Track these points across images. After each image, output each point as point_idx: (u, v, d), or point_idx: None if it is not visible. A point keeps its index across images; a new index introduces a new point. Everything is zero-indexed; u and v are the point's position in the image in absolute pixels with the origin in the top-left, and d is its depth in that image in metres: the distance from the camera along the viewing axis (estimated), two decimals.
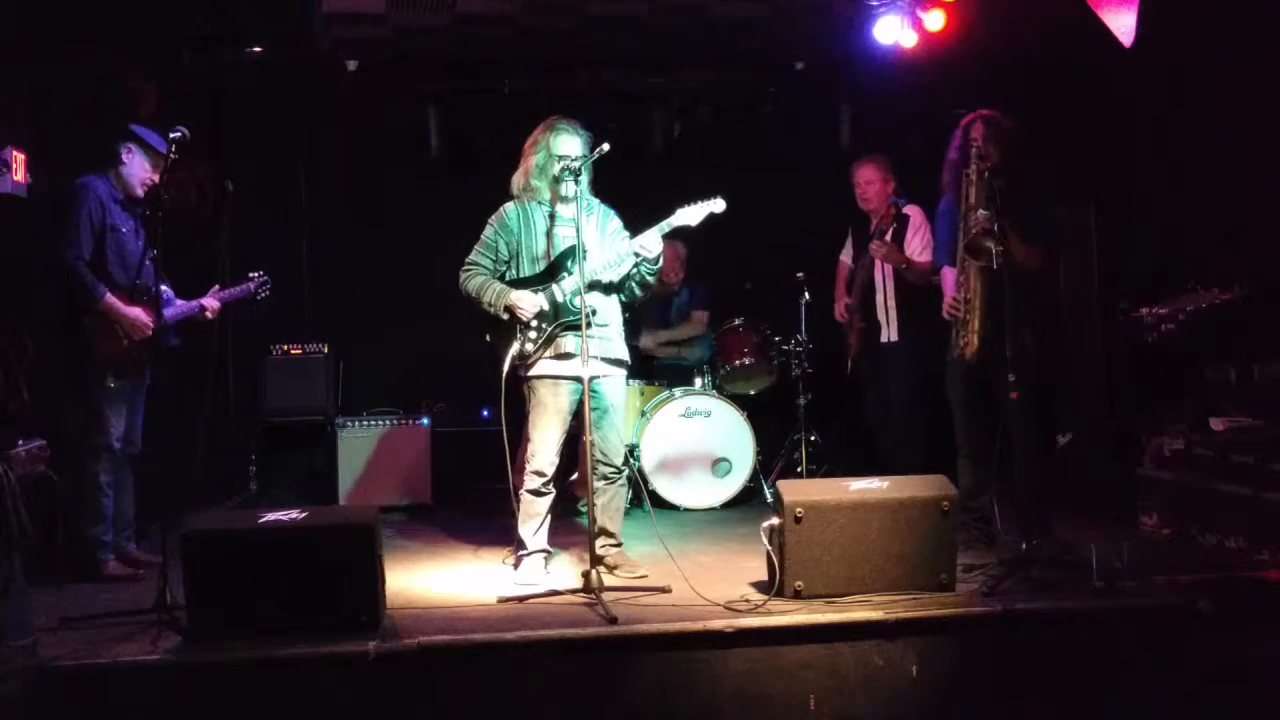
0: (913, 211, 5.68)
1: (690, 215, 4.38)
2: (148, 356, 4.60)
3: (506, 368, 4.42)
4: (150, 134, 4.61)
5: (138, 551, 4.72)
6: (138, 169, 4.64)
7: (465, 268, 4.54)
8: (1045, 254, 4.70)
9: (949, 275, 4.88)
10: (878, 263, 5.75)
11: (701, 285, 6.78)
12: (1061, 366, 5.86)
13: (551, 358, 4.42)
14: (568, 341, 4.40)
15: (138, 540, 4.79)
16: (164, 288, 4.73)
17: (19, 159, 4.74)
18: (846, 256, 6.13)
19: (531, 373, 4.45)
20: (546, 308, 4.41)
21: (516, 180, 4.57)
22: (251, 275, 5.11)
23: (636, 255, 4.38)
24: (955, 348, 4.74)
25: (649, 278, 4.50)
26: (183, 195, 5.74)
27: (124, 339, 4.53)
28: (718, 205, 4.40)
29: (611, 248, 4.47)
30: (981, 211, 4.43)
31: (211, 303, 4.88)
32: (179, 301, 4.82)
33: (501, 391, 4.34)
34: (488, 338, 4.51)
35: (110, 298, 4.50)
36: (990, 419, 4.78)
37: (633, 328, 6.37)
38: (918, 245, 5.59)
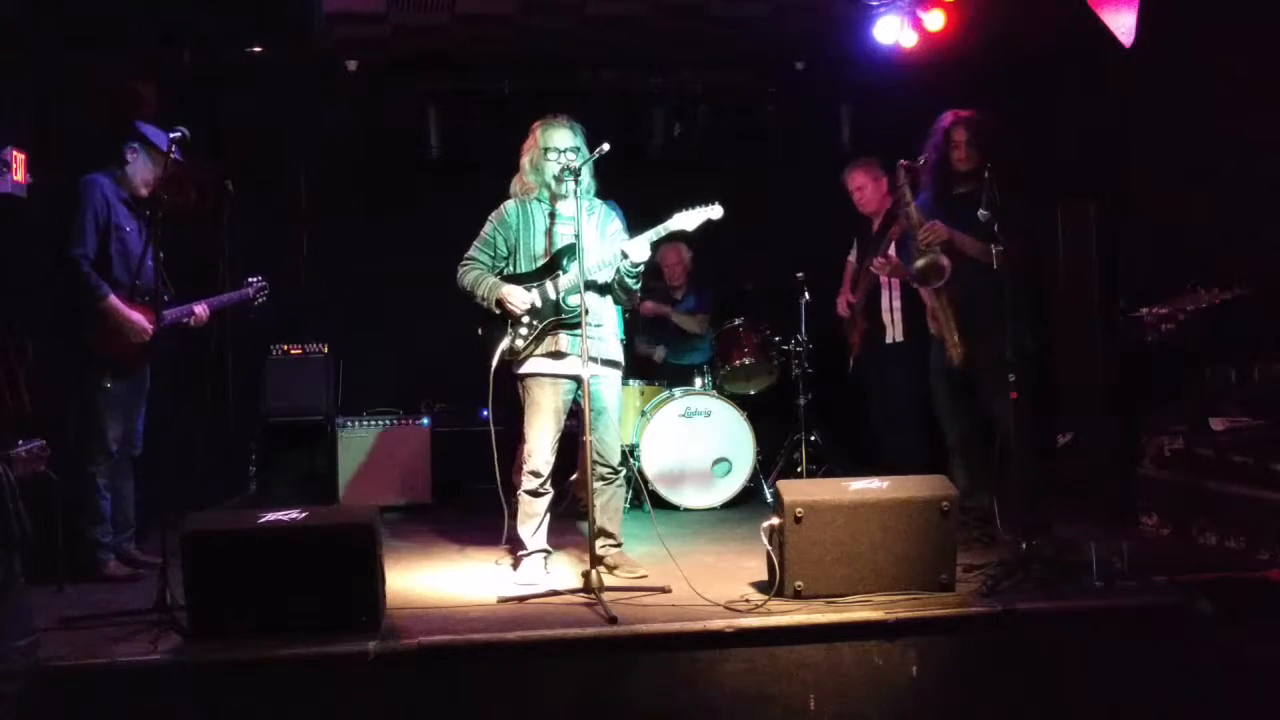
0: None
1: (687, 220, 4.33)
2: (145, 359, 4.59)
3: (495, 362, 4.43)
4: (156, 132, 4.58)
5: (138, 552, 4.71)
6: (142, 168, 4.61)
7: (463, 262, 4.55)
8: (1019, 251, 4.69)
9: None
10: None
11: (707, 290, 6.78)
12: (1061, 366, 5.86)
13: (544, 356, 4.42)
14: (561, 340, 4.40)
15: (138, 540, 4.78)
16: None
17: (19, 159, 4.74)
18: (853, 257, 6.14)
19: (525, 371, 4.45)
20: (539, 304, 4.40)
21: (514, 184, 4.58)
22: (250, 280, 5.07)
23: (622, 256, 4.36)
24: (944, 357, 4.77)
25: (628, 280, 4.45)
26: (182, 195, 5.74)
27: (125, 341, 4.51)
28: (715, 212, 4.34)
29: (607, 247, 4.47)
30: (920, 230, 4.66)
31: (201, 309, 4.78)
32: (173, 306, 4.78)
33: (490, 386, 4.35)
34: (479, 332, 4.52)
35: (113, 299, 4.47)
36: (977, 419, 4.79)
37: (634, 331, 6.39)
38: None
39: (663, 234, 4.36)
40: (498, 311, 4.44)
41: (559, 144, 4.44)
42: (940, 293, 4.76)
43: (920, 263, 4.70)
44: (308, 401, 6.39)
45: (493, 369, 4.42)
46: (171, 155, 4.17)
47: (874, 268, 5.68)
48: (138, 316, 4.51)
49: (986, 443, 4.75)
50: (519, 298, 4.39)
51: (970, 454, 4.84)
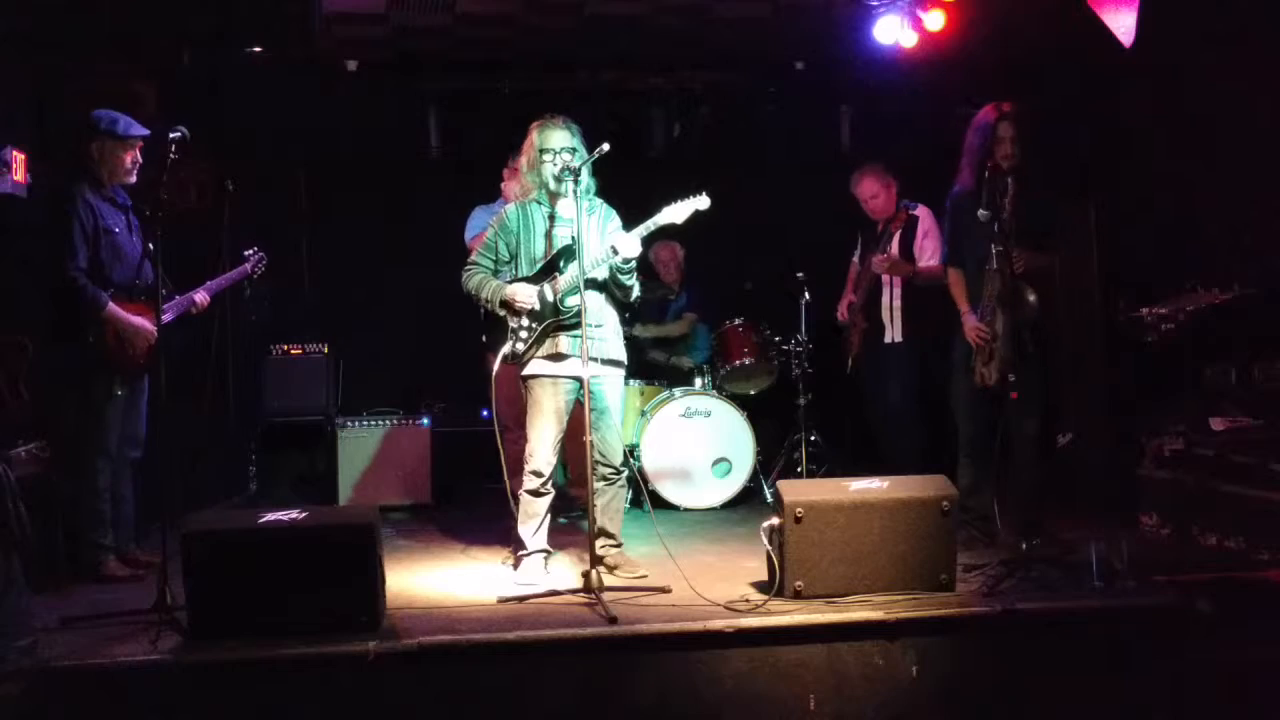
0: (922, 213, 5.65)
1: (675, 213, 4.30)
2: (148, 360, 4.58)
3: (497, 367, 4.42)
4: (111, 115, 4.48)
5: (139, 552, 4.70)
6: (112, 157, 4.50)
7: (466, 267, 4.55)
8: (1053, 253, 4.69)
9: (958, 279, 4.86)
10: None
11: (696, 287, 6.79)
12: (1061, 366, 5.85)
13: (545, 357, 4.42)
14: (561, 342, 4.40)
15: (138, 540, 4.78)
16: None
17: (19, 159, 4.74)
18: (857, 258, 6.12)
19: (526, 372, 4.45)
20: (539, 306, 4.40)
21: (515, 188, 4.58)
22: (247, 253, 5.02)
23: (613, 253, 4.34)
24: (974, 370, 4.69)
25: (620, 276, 4.43)
26: (182, 195, 5.74)
27: (129, 347, 4.49)
28: (703, 202, 4.31)
29: (602, 246, 4.46)
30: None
31: (202, 297, 4.76)
32: (172, 299, 4.78)
33: (491, 390, 4.35)
34: (484, 338, 4.52)
35: (113, 307, 4.44)
36: (993, 419, 4.78)
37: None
38: (929, 248, 5.56)
39: (652, 228, 4.33)
40: (502, 314, 4.43)
41: (555, 145, 4.43)
42: (1012, 318, 4.54)
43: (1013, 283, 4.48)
44: (308, 401, 6.39)
45: (494, 373, 4.42)
46: (171, 155, 4.14)
47: (874, 264, 5.66)
48: (140, 320, 4.48)
49: (994, 441, 4.74)
50: (526, 293, 4.38)
51: (980, 452, 4.82)
